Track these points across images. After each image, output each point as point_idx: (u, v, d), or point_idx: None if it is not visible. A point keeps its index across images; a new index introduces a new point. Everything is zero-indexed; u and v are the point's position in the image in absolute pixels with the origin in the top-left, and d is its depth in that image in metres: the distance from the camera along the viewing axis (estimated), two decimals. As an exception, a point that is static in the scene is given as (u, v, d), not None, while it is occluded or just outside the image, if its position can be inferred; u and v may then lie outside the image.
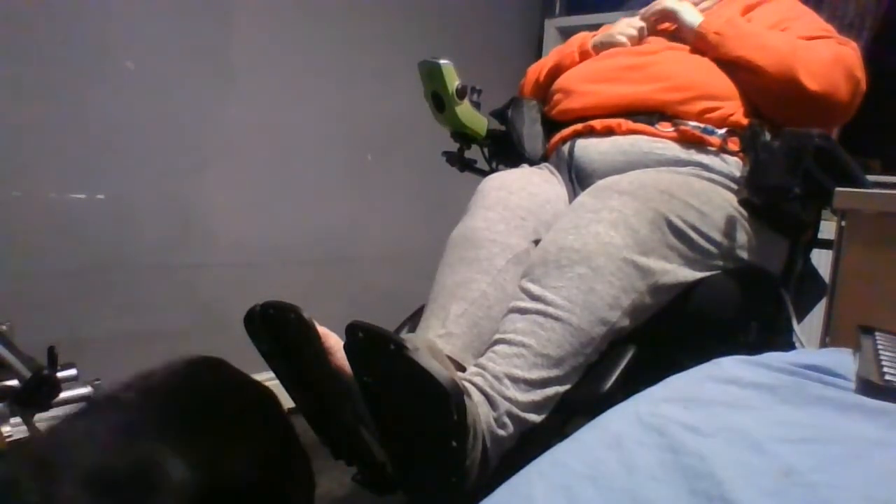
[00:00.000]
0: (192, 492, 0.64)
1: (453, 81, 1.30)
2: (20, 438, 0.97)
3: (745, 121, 1.17)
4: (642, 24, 1.36)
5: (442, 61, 1.29)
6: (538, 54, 2.62)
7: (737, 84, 1.20)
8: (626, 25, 1.36)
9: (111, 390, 0.71)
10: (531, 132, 1.42)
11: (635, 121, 1.20)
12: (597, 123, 1.22)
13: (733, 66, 1.20)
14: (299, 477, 0.82)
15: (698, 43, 1.25)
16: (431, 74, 1.31)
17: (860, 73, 1.17)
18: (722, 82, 1.20)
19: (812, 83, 1.13)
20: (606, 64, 1.32)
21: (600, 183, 1.06)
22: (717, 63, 1.22)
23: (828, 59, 1.15)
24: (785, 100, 1.17)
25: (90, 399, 0.94)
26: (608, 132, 1.21)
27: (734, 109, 1.18)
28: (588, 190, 1.07)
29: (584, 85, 1.31)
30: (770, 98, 1.19)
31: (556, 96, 1.37)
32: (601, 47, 1.38)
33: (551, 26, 2.64)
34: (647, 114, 1.20)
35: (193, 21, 1.74)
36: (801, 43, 1.19)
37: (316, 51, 1.99)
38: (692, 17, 1.28)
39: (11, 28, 1.46)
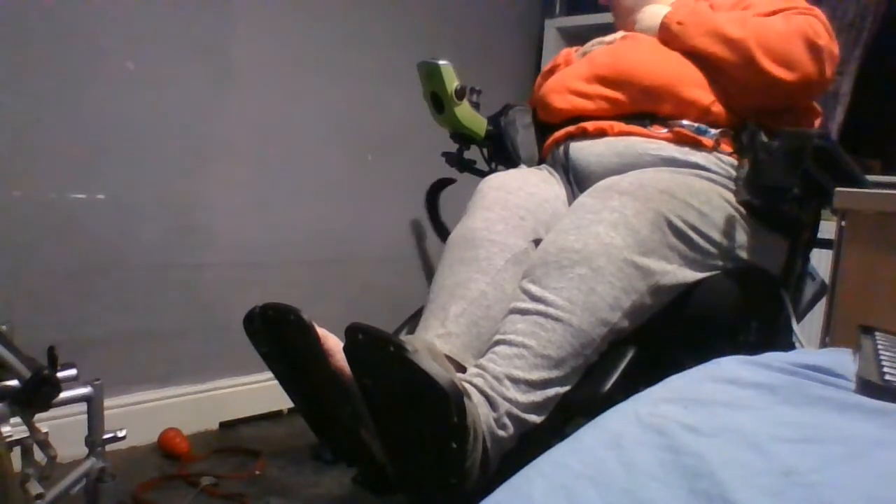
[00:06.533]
0: None
1: (452, 82, 1.31)
2: (20, 438, 0.97)
3: (724, 112, 1.17)
4: None
5: (441, 62, 1.29)
6: (538, 54, 2.62)
7: (704, 73, 1.19)
8: None
9: None
10: (525, 139, 1.43)
11: (627, 122, 1.20)
12: (589, 125, 1.22)
13: (695, 56, 1.19)
14: None
15: (662, 34, 1.25)
16: (430, 75, 1.31)
17: (824, 41, 1.13)
18: (691, 72, 1.19)
19: (770, 61, 1.12)
20: (583, 70, 1.29)
21: (601, 183, 1.06)
22: (683, 54, 1.21)
23: (783, 34, 1.13)
24: (749, 82, 1.15)
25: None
26: (600, 133, 1.21)
27: (708, 99, 1.17)
28: (588, 190, 1.06)
29: (566, 93, 1.29)
30: (736, 83, 1.17)
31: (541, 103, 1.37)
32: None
33: (551, 26, 2.64)
34: (639, 117, 1.20)
35: (193, 21, 1.74)
36: (756, 21, 1.16)
37: (316, 51, 1.99)
38: (651, 20, 1.28)
39: (11, 28, 1.46)
